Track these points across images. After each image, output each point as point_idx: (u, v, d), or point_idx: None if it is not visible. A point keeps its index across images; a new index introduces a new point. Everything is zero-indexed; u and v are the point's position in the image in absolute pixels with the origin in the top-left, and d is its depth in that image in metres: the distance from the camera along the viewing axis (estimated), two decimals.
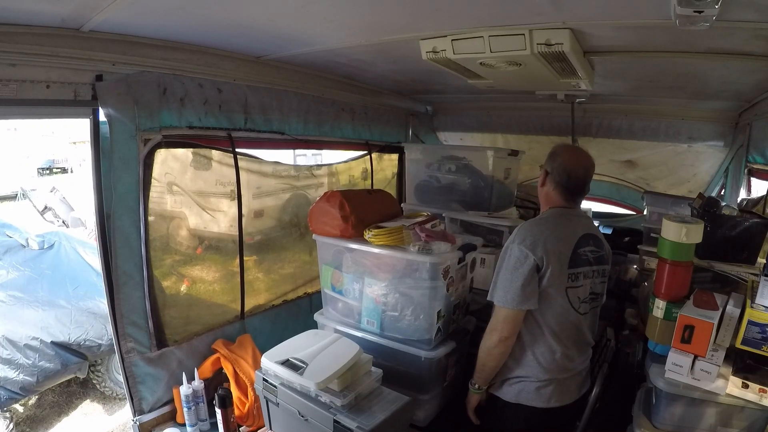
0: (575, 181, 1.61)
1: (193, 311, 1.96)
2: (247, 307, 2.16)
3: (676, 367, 1.33)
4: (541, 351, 1.53)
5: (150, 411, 1.74)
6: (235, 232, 2.09)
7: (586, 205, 3.55)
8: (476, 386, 1.62)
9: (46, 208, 6.85)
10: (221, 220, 2.09)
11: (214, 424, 1.70)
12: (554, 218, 1.59)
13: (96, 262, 3.60)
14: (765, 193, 1.99)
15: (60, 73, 1.41)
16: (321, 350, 1.52)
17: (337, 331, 1.81)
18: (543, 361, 1.53)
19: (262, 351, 1.57)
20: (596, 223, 3.36)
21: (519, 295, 1.45)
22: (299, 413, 1.45)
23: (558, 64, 1.58)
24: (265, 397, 1.56)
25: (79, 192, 6.78)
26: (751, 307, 1.30)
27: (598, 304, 1.66)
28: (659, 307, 1.43)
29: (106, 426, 3.67)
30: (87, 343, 3.46)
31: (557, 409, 1.55)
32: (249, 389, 1.76)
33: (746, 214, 1.67)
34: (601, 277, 1.64)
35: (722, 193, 2.71)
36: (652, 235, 2.38)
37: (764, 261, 1.55)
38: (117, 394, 3.88)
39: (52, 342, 3.29)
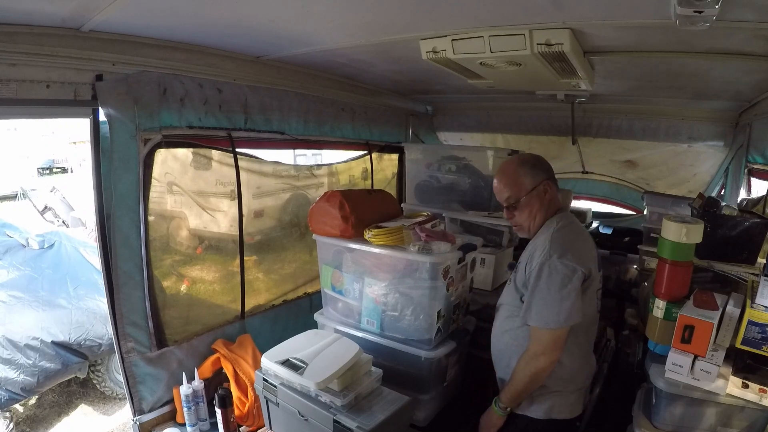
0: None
1: (193, 311, 1.96)
2: (247, 307, 2.16)
3: (676, 367, 1.33)
4: (577, 358, 1.47)
5: (150, 411, 1.74)
6: (235, 232, 2.09)
7: (586, 205, 3.59)
8: (506, 408, 1.49)
9: (46, 207, 6.84)
10: (221, 220, 2.09)
11: (214, 424, 1.70)
12: (573, 223, 1.53)
13: (96, 260, 3.61)
14: (765, 193, 1.99)
15: (60, 73, 1.41)
16: (321, 350, 1.52)
17: (337, 331, 1.81)
18: (578, 368, 1.48)
19: (262, 351, 1.57)
20: (595, 224, 3.40)
21: (570, 311, 1.35)
22: (299, 413, 1.45)
23: (558, 64, 1.58)
24: (265, 397, 1.56)
25: (79, 192, 6.77)
26: (751, 307, 1.30)
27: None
28: (659, 307, 1.44)
29: (106, 426, 3.66)
30: (87, 343, 3.45)
31: (576, 418, 1.54)
32: (249, 389, 1.76)
33: (746, 214, 1.67)
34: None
35: (722, 193, 2.71)
36: (652, 235, 2.39)
37: (764, 261, 1.55)
38: (117, 394, 3.88)
39: (52, 342, 3.28)
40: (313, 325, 1.92)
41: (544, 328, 1.37)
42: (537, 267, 1.40)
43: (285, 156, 2.53)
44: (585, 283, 1.39)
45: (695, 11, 1.00)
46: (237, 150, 2.02)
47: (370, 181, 3.03)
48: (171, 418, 1.78)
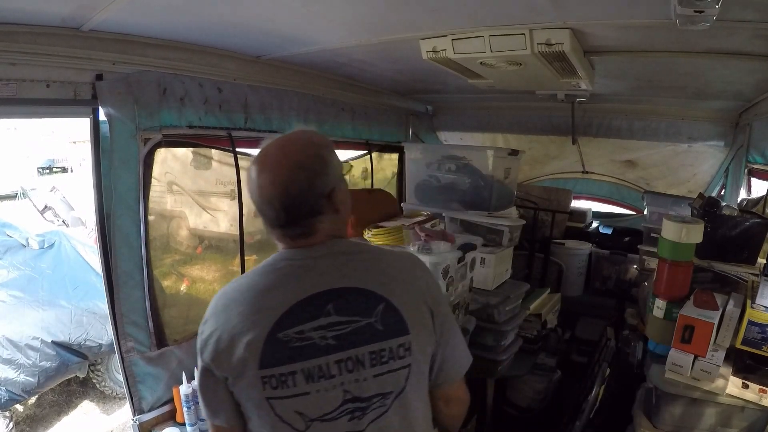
0: (267, 198, 0.92)
1: (193, 311, 1.96)
2: None
3: (676, 367, 1.33)
4: None
5: (150, 410, 1.74)
6: (235, 231, 2.08)
7: (586, 204, 3.59)
8: None
9: (46, 207, 6.86)
10: (221, 220, 2.09)
11: None
12: (256, 277, 0.93)
13: (96, 261, 3.61)
14: (765, 193, 1.99)
15: (60, 73, 1.41)
16: None
17: None
18: None
19: None
20: (595, 224, 3.38)
21: (206, 408, 0.95)
22: None
23: (558, 63, 1.58)
24: None
25: (79, 191, 6.78)
26: (751, 307, 1.30)
27: (384, 407, 0.91)
28: (659, 307, 1.44)
29: (106, 425, 3.67)
30: (87, 343, 3.46)
31: None
32: None
33: (746, 214, 1.67)
34: (383, 362, 0.90)
35: (722, 193, 2.71)
36: (652, 235, 2.39)
37: (764, 261, 1.56)
38: (117, 394, 3.88)
39: (52, 342, 3.29)
40: None
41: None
42: None
43: None
44: (229, 382, 0.88)
45: (695, 11, 1.00)
46: (237, 149, 2.02)
47: (370, 181, 3.03)
48: (171, 417, 1.78)
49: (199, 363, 0.91)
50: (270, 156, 0.94)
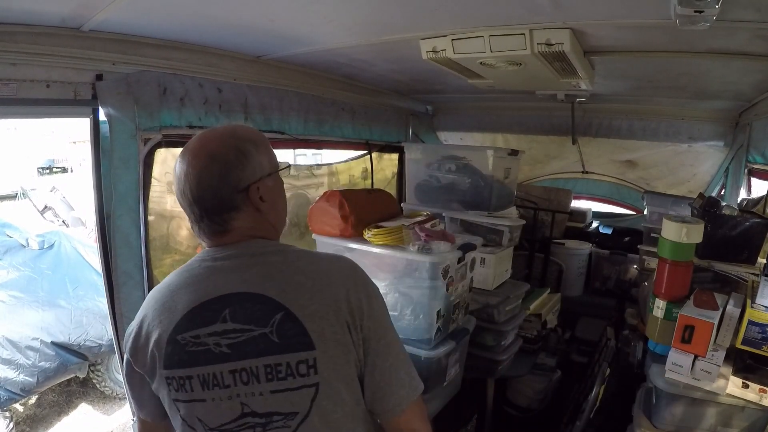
0: (182, 190, 0.92)
1: None
2: None
3: (676, 367, 1.33)
4: None
5: None
6: None
7: (586, 205, 3.59)
8: None
9: (46, 207, 6.84)
10: None
11: None
12: (172, 276, 0.96)
13: (96, 260, 3.61)
14: (765, 193, 1.99)
15: (60, 73, 1.41)
16: None
17: None
18: None
19: None
20: (595, 224, 3.38)
21: (130, 400, 1.01)
22: None
23: (558, 63, 1.58)
24: None
25: (79, 192, 6.78)
26: (752, 307, 1.30)
27: (289, 428, 0.83)
28: (659, 307, 1.44)
29: (106, 426, 3.67)
30: (87, 343, 3.45)
31: None
32: None
33: (746, 214, 1.67)
34: (280, 378, 0.83)
35: (722, 193, 2.71)
36: (652, 235, 2.39)
37: (764, 261, 1.56)
38: (117, 394, 3.88)
39: (52, 342, 3.29)
40: None
41: None
42: None
43: (285, 156, 2.53)
44: (145, 379, 0.90)
45: (695, 11, 1.00)
46: None
47: (370, 181, 3.02)
48: None
49: (124, 356, 0.93)
50: (189, 147, 0.91)
